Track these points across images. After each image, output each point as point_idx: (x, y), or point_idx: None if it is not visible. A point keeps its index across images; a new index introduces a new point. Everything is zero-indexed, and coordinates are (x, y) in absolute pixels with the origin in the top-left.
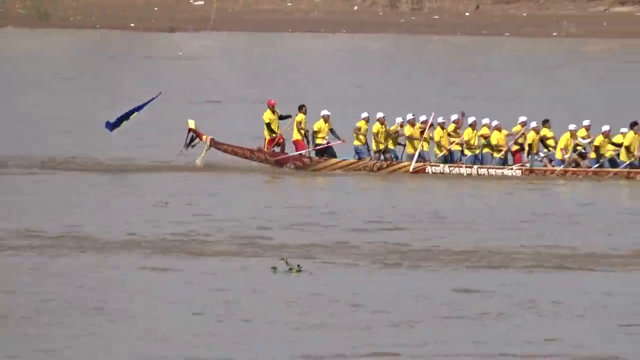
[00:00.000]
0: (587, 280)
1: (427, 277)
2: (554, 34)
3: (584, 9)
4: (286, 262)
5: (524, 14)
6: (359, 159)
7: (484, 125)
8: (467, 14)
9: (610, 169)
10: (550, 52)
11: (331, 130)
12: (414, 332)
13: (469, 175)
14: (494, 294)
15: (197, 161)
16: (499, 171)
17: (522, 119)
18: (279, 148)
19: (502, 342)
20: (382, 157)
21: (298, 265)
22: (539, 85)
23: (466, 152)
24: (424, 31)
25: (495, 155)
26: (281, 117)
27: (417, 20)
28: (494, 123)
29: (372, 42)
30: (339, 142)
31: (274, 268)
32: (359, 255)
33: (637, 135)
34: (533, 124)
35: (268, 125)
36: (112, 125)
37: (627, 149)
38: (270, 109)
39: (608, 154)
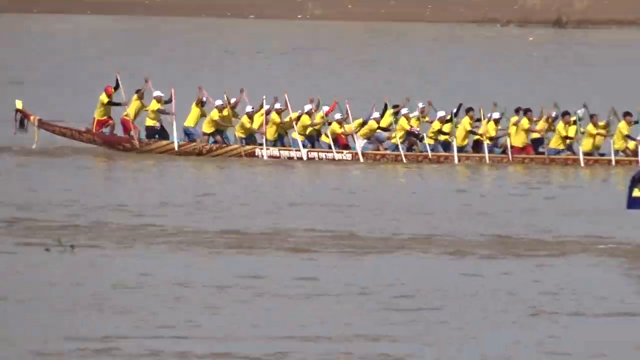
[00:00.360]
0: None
1: (197, 258)
2: (298, 16)
3: None
4: (59, 242)
5: None
6: (190, 140)
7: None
8: None
9: (443, 153)
10: (295, 34)
11: (160, 111)
12: (180, 313)
13: (300, 159)
14: (256, 275)
15: (33, 145)
16: (330, 155)
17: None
18: (108, 129)
19: (275, 324)
20: (211, 139)
21: (71, 246)
22: (287, 68)
23: (294, 135)
24: (165, 13)
25: (323, 139)
26: (113, 104)
27: (158, 2)
28: (337, 116)
29: (114, 23)
30: (172, 102)
31: (47, 249)
32: (134, 236)
33: (472, 121)
34: (376, 114)
35: (109, 102)
36: None
37: (472, 132)
38: (106, 94)
39: (442, 138)
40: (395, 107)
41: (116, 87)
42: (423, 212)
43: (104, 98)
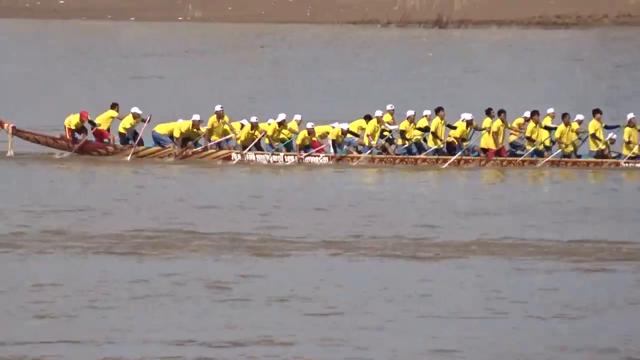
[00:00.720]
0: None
1: (111, 262)
2: (179, 18)
3: None
4: None
5: None
6: (161, 146)
7: (294, 120)
8: None
9: (418, 156)
10: (178, 36)
11: (131, 130)
12: (96, 318)
13: (275, 162)
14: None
15: (8, 152)
16: (307, 159)
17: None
18: (82, 135)
19: (184, 329)
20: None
21: None
22: (184, 71)
23: (267, 140)
24: (49, 16)
25: (298, 142)
26: (91, 122)
27: (42, 6)
28: (308, 125)
29: None
30: (145, 123)
31: None
32: (53, 241)
33: (442, 121)
34: (344, 125)
35: (70, 129)
36: None
37: (434, 134)
38: (80, 119)
39: (414, 139)
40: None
41: (91, 122)
42: (353, 215)
43: (75, 119)
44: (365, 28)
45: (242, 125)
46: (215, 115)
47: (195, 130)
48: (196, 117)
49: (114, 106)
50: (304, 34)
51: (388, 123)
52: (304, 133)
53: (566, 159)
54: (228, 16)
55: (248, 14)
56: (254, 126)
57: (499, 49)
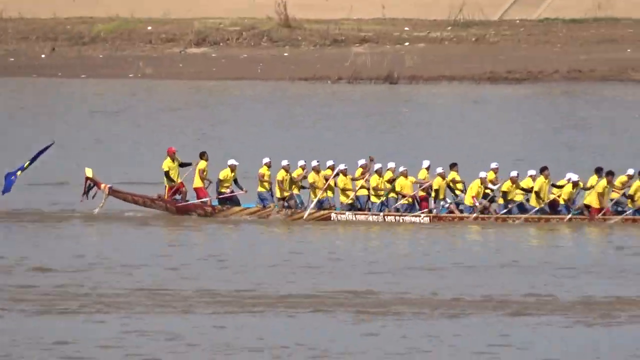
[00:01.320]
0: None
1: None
2: (130, 75)
3: (160, 51)
4: None
5: (100, 56)
6: (263, 206)
7: (388, 169)
8: (43, 56)
9: (518, 215)
10: (126, 93)
11: (235, 181)
12: None
13: (375, 222)
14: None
15: (95, 210)
16: (406, 218)
17: (426, 163)
18: (180, 196)
19: None
20: (286, 204)
21: None
22: (115, 126)
23: (373, 199)
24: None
25: (402, 201)
26: (182, 165)
27: None
28: (400, 169)
29: None
30: (242, 192)
31: None
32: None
33: (547, 180)
34: (439, 170)
35: (167, 173)
36: (6, 187)
37: (537, 194)
38: (170, 157)
39: (517, 199)
40: (452, 165)
41: (185, 164)
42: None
43: (165, 165)
44: (316, 84)
45: (338, 173)
46: (313, 171)
47: (286, 176)
48: (377, 165)
49: (202, 155)
50: (255, 90)
51: (491, 182)
52: (403, 181)
53: None
54: (179, 73)
55: (199, 70)
56: (344, 173)
57: (453, 104)
